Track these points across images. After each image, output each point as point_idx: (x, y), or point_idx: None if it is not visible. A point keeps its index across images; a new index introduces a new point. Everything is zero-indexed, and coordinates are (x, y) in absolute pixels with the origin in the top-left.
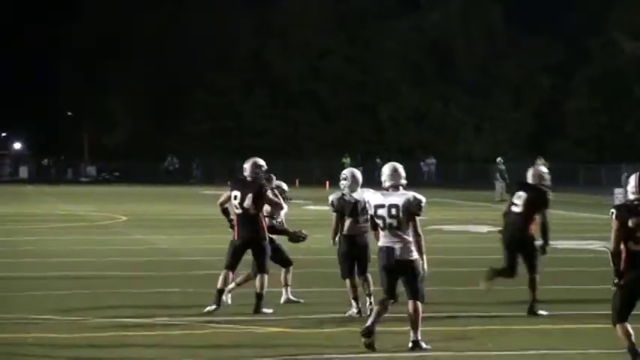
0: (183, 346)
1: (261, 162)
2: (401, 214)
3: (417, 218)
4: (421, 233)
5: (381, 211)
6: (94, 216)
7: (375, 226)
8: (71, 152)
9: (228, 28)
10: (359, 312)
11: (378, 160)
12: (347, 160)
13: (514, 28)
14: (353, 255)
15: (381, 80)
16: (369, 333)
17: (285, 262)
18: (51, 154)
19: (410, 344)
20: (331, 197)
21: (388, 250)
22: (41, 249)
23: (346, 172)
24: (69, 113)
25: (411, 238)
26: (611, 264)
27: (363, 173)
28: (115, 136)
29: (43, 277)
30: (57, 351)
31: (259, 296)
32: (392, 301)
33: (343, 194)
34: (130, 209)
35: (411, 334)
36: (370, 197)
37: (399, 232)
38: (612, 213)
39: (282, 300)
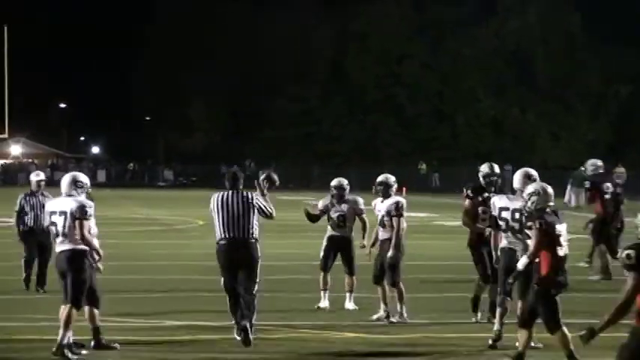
0: (260, 352)
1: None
2: (523, 218)
3: None
4: None
5: (505, 214)
6: (171, 220)
7: (496, 226)
8: (148, 156)
9: (308, 35)
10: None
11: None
12: (423, 167)
13: (593, 37)
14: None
15: (459, 87)
16: (499, 336)
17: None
18: (130, 159)
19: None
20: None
21: (510, 252)
22: (120, 252)
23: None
24: (147, 118)
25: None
26: None
27: (440, 180)
28: (193, 140)
29: (122, 280)
30: (136, 354)
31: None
32: (508, 299)
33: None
34: (207, 213)
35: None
36: (496, 200)
37: (520, 236)
38: None
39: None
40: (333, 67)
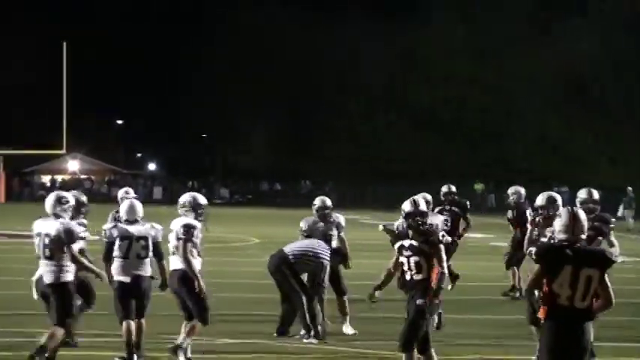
0: None
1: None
2: None
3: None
4: None
5: None
6: (227, 237)
7: None
8: (205, 173)
9: (370, 54)
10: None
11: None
12: (479, 187)
13: None
14: None
15: (512, 106)
16: None
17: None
18: (186, 175)
19: None
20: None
21: None
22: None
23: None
24: (203, 135)
25: None
26: None
27: (495, 200)
28: (249, 158)
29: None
30: None
31: None
32: None
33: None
34: (262, 231)
35: None
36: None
37: None
38: None
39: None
40: (391, 86)
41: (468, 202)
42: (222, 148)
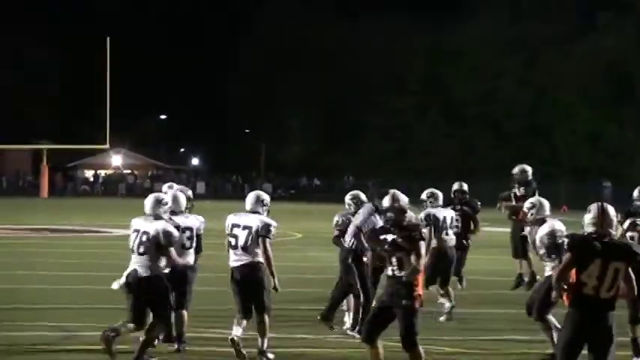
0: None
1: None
2: None
3: None
4: None
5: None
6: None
7: None
8: (247, 168)
9: (404, 50)
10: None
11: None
12: None
13: None
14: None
15: (556, 103)
16: None
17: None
18: (229, 170)
19: None
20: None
21: None
22: (219, 264)
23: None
24: (246, 130)
25: None
26: None
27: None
28: (292, 153)
29: (217, 292)
30: None
31: None
32: None
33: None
34: (305, 226)
35: None
36: None
37: None
38: None
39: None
40: (428, 80)
41: (479, 203)
42: (265, 143)
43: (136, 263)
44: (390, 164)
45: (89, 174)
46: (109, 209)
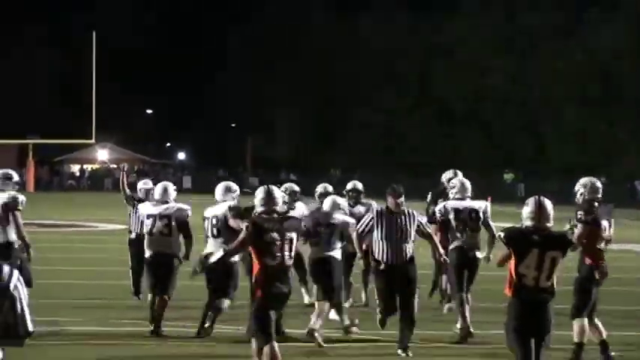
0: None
1: None
2: None
3: None
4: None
5: None
6: None
7: None
8: (233, 163)
9: (395, 46)
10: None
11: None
12: (509, 176)
13: None
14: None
15: (546, 99)
16: None
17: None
18: (216, 165)
19: None
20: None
21: None
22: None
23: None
24: (232, 125)
25: None
26: None
27: (525, 190)
28: (278, 148)
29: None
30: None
31: None
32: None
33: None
34: None
35: None
36: None
37: None
38: None
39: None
40: (418, 77)
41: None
42: (251, 137)
43: (211, 246)
44: (378, 160)
45: (75, 168)
46: (95, 204)
